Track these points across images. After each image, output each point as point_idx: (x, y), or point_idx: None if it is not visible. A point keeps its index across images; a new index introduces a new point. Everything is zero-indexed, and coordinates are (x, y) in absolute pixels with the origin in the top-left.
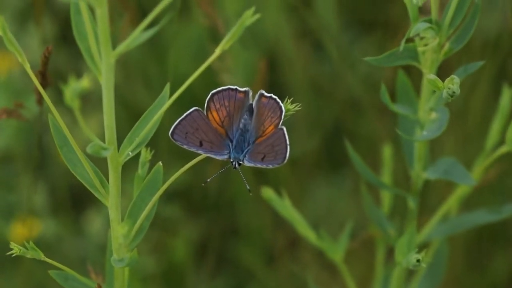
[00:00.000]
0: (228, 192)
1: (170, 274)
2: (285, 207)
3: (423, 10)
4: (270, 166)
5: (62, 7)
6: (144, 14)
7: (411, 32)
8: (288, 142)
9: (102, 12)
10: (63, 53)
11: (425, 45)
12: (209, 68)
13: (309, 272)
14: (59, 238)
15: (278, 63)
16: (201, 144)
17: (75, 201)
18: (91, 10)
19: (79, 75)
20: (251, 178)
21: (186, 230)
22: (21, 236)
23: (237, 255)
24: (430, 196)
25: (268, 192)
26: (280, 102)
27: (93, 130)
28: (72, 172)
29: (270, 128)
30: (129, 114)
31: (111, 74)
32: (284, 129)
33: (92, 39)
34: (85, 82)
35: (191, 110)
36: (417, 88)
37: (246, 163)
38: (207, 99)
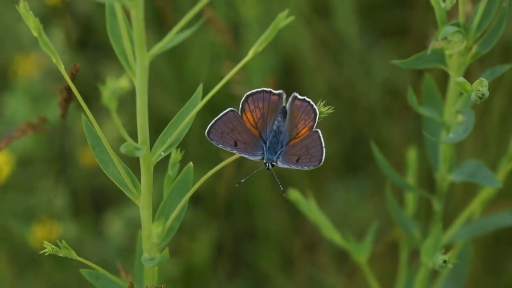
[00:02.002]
0: (246, 195)
1: (189, 276)
2: (311, 209)
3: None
4: (306, 168)
5: (83, 12)
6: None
7: (439, 36)
8: (323, 145)
9: (138, 13)
10: (83, 57)
11: (452, 48)
12: (222, 73)
13: (327, 276)
14: (80, 241)
15: (296, 68)
16: (235, 144)
17: (95, 204)
18: (126, 12)
19: (98, 79)
20: (269, 182)
21: (205, 233)
22: (41, 239)
23: (255, 258)
24: (450, 197)
25: (294, 194)
26: (314, 105)
27: (116, 128)
28: (104, 172)
29: (304, 130)
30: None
31: (145, 75)
32: (319, 131)
33: (126, 41)
34: (123, 82)
35: (226, 110)
36: (439, 91)
37: (280, 165)
38: (241, 100)
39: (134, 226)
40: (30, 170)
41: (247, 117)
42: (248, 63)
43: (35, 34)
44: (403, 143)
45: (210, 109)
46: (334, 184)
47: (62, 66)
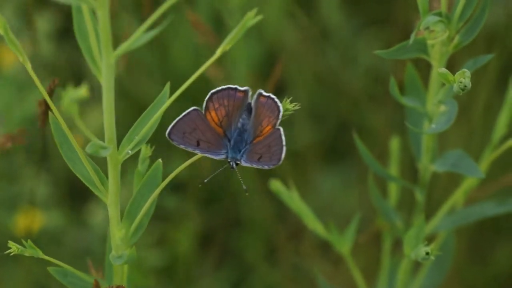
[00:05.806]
0: (230, 184)
1: (173, 266)
2: (293, 199)
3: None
4: (266, 167)
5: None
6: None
7: (421, 25)
8: (284, 143)
9: (104, 13)
10: (66, 46)
11: (435, 38)
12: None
13: (312, 264)
14: (62, 230)
15: (281, 56)
16: (198, 144)
17: (78, 193)
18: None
19: (81, 69)
20: (254, 171)
21: (189, 222)
22: (24, 228)
23: (240, 247)
24: (433, 188)
25: (276, 185)
26: (278, 102)
27: (99, 121)
28: (72, 170)
29: (268, 128)
30: (130, 104)
31: (111, 74)
32: (281, 129)
33: (93, 39)
34: (83, 91)
35: (189, 110)
36: (423, 81)
37: (243, 163)
38: (206, 98)
39: None
40: (12, 158)
41: (211, 116)
42: (232, 51)
43: (1, 32)
44: (387, 130)
45: (190, 96)
46: (318, 171)
47: (29, 65)
